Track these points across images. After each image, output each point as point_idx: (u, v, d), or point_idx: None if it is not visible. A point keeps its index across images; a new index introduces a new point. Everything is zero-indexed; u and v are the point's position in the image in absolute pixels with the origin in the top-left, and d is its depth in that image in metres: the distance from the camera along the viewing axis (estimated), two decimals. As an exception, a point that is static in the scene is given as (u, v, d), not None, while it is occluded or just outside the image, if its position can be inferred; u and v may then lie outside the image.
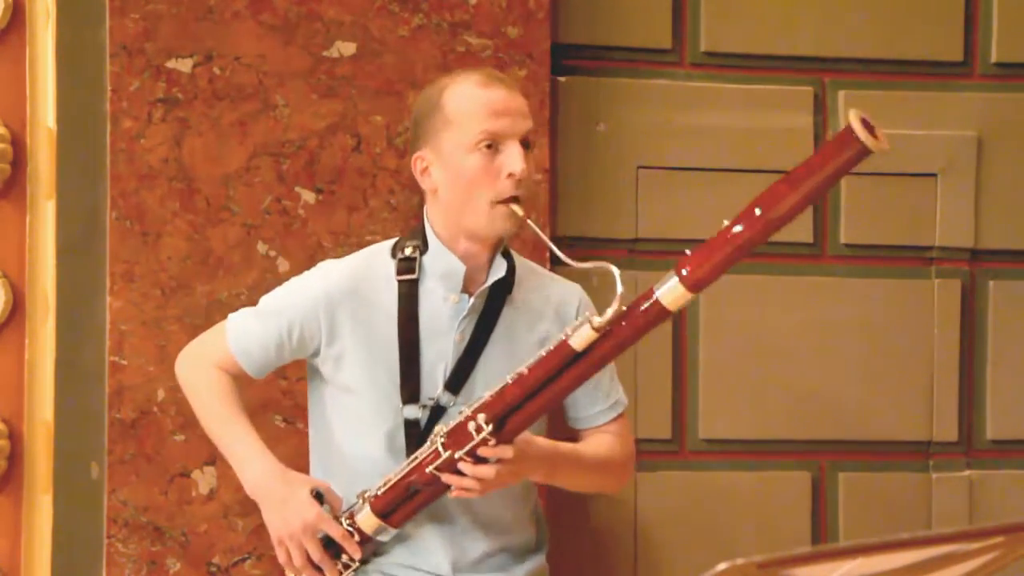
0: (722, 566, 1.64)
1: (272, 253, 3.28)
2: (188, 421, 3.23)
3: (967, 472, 3.66)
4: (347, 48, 3.33)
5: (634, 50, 3.56)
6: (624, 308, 2.57)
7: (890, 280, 3.65)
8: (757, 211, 2.55)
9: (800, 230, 3.61)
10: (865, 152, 2.49)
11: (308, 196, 3.31)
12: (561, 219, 3.43)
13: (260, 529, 3.22)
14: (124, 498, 3.23)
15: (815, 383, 3.61)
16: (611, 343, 2.60)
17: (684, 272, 2.56)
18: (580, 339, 2.59)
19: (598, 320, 2.58)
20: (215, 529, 3.26)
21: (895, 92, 3.66)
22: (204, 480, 3.26)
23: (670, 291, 2.57)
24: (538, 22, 3.40)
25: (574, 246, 3.12)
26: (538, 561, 2.88)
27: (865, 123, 2.49)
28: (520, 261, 2.85)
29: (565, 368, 2.62)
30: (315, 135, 3.31)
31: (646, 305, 2.58)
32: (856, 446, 3.64)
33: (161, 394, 3.23)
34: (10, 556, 3.31)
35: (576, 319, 2.69)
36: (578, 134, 3.51)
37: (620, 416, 2.91)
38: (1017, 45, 3.70)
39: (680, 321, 3.56)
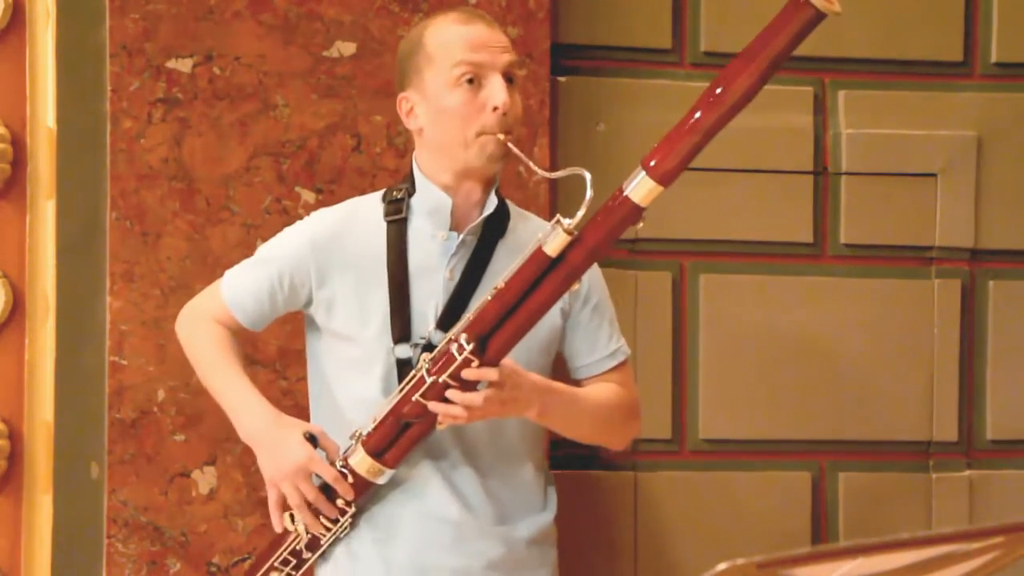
0: (722, 566, 1.64)
1: (272, 253, 3.28)
2: (188, 421, 3.24)
3: (967, 472, 3.67)
4: (347, 48, 3.33)
5: (634, 50, 3.57)
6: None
7: (890, 280, 3.65)
8: (716, 92, 2.53)
9: (800, 230, 3.61)
10: (817, 16, 2.47)
11: (308, 196, 3.31)
12: (562, 213, 3.42)
13: (260, 529, 3.22)
14: (124, 498, 3.23)
15: (815, 383, 3.61)
16: (584, 246, 2.59)
17: (651, 164, 2.55)
18: (553, 245, 2.58)
19: (569, 222, 2.58)
20: (215, 529, 3.26)
21: (895, 92, 3.66)
22: (204, 480, 3.26)
23: (639, 186, 2.56)
24: (538, 22, 3.40)
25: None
26: (545, 520, 2.85)
27: None
28: (514, 207, 2.85)
29: (542, 277, 2.60)
30: (315, 135, 3.31)
31: (617, 202, 2.58)
32: (856, 446, 3.64)
33: (161, 394, 3.23)
34: (10, 556, 3.31)
35: None
36: (578, 134, 3.51)
37: (622, 364, 2.88)
38: (1017, 45, 3.70)
39: (680, 321, 3.57)
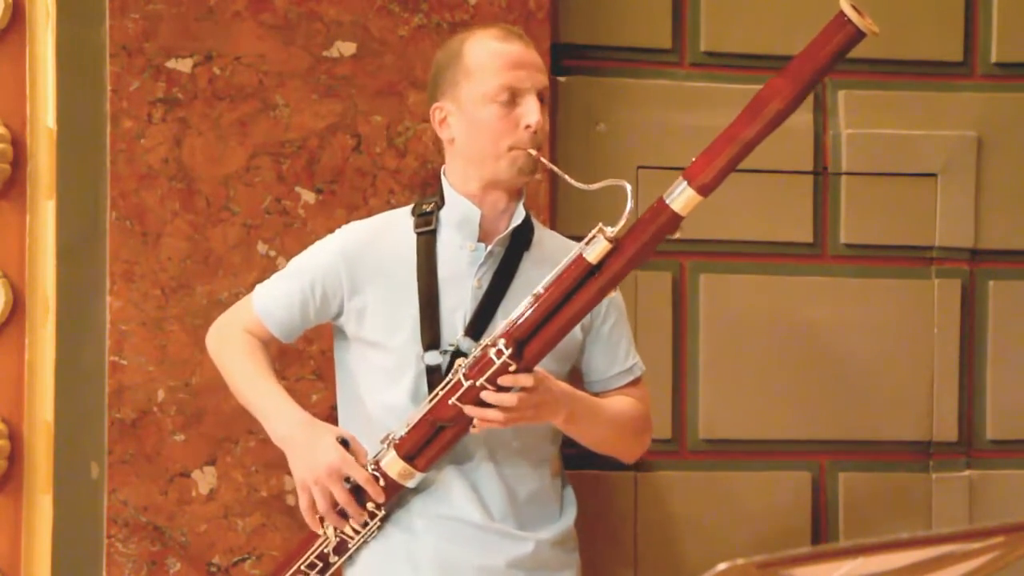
0: (722, 566, 1.64)
1: (272, 253, 3.28)
2: (188, 421, 3.24)
3: (967, 472, 3.66)
4: (347, 48, 3.33)
5: (634, 50, 3.57)
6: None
7: (890, 280, 3.65)
8: (756, 106, 2.62)
9: (800, 230, 3.61)
10: (858, 35, 2.55)
11: (308, 196, 3.31)
12: (561, 219, 3.43)
13: (260, 529, 3.23)
14: (124, 498, 3.23)
15: (815, 383, 3.61)
16: (625, 254, 2.67)
17: (692, 176, 2.64)
18: (595, 252, 2.67)
19: (611, 230, 2.66)
20: (215, 529, 3.26)
21: (895, 92, 3.66)
22: (204, 480, 3.26)
23: (680, 196, 2.66)
24: (538, 22, 3.40)
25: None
26: (564, 525, 2.91)
27: (855, 8, 2.54)
28: (542, 226, 2.95)
29: (581, 284, 2.68)
30: (315, 135, 3.32)
31: (657, 212, 2.67)
32: (856, 446, 3.64)
33: (161, 394, 3.23)
34: (10, 556, 3.31)
35: None
36: (578, 134, 3.51)
37: (638, 380, 2.96)
38: (1017, 45, 3.70)
39: (680, 321, 3.57)
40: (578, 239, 3.40)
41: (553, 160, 3.43)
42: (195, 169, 3.27)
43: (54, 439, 3.31)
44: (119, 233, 3.25)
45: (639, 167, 3.55)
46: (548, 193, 3.40)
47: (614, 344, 2.92)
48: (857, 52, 3.60)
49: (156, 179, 3.26)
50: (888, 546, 1.71)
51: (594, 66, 3.55)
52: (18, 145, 3.32)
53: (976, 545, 1.79)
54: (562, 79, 3.49)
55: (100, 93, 3.25)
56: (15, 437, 3.32)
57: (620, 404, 2.92)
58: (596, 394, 2.93)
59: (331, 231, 3.26)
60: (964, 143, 3.67)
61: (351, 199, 3.31)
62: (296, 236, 3.28)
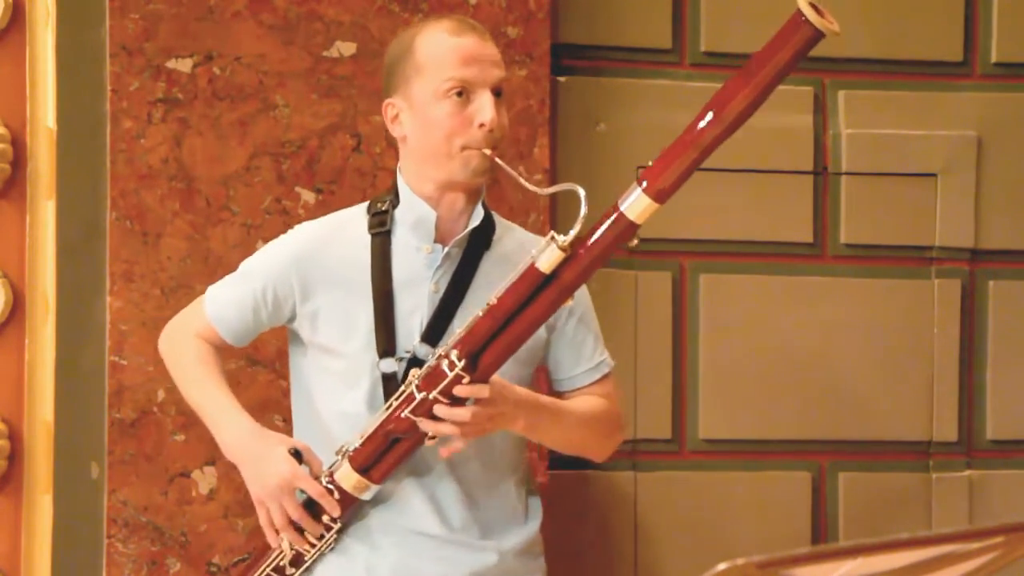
0: (722, 566, 1.64)
1: (272, 253, 3.28)
2: (188, 421, 3.24)
3: (967, 472, 3.67)
4: (347, 48, 3.33)
5: (634, 50, 3.56)
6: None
7: (890, 280, 3.65)
8: (714, 109, 2.52)
9: (800, 230, 3.62)
10: (816, 35, 2.47)
11: (308, 196, 3.31)
12: (560, 219, 3.43)
13: (260, 529, 3.22)
14: (124, 498, 3.23)
15: (815, 383, 3.61)
16: (579, 263, 2.57)
17: (647, 181, 2.53)
18: (547, 260, 2.55)
19: (563, 238, 2.55)
20: (215, 529, 3.26)
21: (895, 92, 3.66)
22: (204, 480, 3.26)
23: (635, 203, 2.55)
24: (538, 22, 3.40)
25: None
26: (529, 531, 2.81)
27: (814, 7, 2.45)
28: (500, 219, 2.82)
29: (535, 294, 2.57)
30: (315, 135, 3.32)
31: (611, 220, 2.56)
32: (856, 446, 3.64)
33: (161, 394, 3.23)
34: (10, 556, 3.31)
35: None
36: (578, 134, 3.51)
37: (606, 377, 2.85)
38: (1017, 45, 3.70)
39: (680, 321, 3.57)
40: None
41: (553, 161, 3.44)
42: (195, 169, 3.27)
43: (54, 439, 3.31)
44: (119, 233, 3.25)
45: (639, 167, 3.53)
46: (548, 195, 3.40)
47: (579, 342, 2.80)
48: (857, 52, 3.64)
49: (156, 179, 3.26)
50: (888, 546, 1.71)
51: (594, 66, 3.54)
52: (18, 145, 3.32)
53: (976, 545, 1.79)
54: (562, 79, 3.49)
55: (100, 93, 3.25)
56: (15, 437, 3.32)
57: (586, 404, 2.80)
58: (563, 393, 2.83)
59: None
60: (964, 143, 3.67)
61: (351, 199, 3.31)
62: (296, 236, 3.28)
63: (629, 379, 3.49)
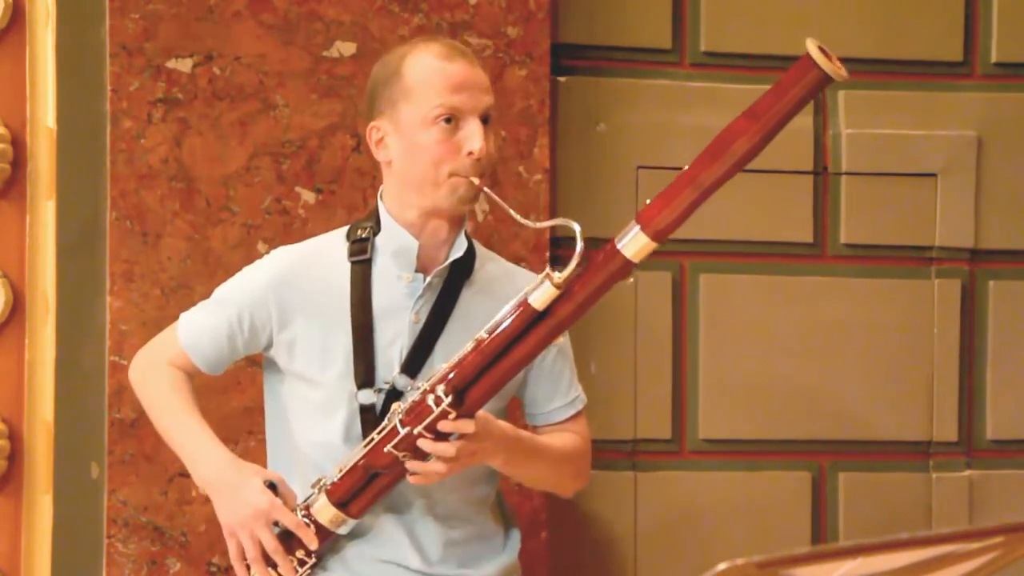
0: (722, 566, 1.64)
1: (272, 253, 3.28)
2: (188, 421, 3.23)
3: (967, 472, 3.67)
4: (347, 48, 3.33)
5: (634, 50, 3.56)
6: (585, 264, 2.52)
7: (890, 280, 3.65)
8: (716, 149, 2.48)
9: (800, 230, 3.62)
10: (825, 79, 2.44)
11: (308, 196, 3.31)
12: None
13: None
14: (124, 498, 3.23)
15: (815, 383, 3.61)
16: (573, 301, 2.52)
17: (647, 221, 2.49)
18: (540, 298, 2.51)
19: (558, 276, 2.51)
20: (215, 529, 3.25)
21: (895, 92, 3.66)
22: (204, 480, 3.25)
23: (632, 241, 2.50)
24: (538, 22, 3.40)
25: (573, 246, 3.12)
26: (508, 559, 2.78)
27: (823, 50, 2.42)
28: (483, 249, 2.78)
29: (526, 331, 2.53)
30: (315, 135, 3.32)
31: (608, 258, 2.52)
32: (856, 446, 3.64)
33: (161, 394, 3.23)
34: (10, 556, 3.31)
35: None
36: (578, 134, 3.51)
37: (579, 414, 2.82)
38: (1017, 45, 3.70)
39: (680, 321, 3.57)
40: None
41: (553, 161, 3.44)
42: (195, 169, 3.27)
43: (54, 439, 3.31)
44: (119, 233, 3.25)
45: (639, 167, 3.55)
46: (548, 193, 3.40)
47: (556, 376, 2.76)
48: (857, 52, 3.63)
49: (156, 179, 3.26)
50: (888, 546, 1.71)
51: (594, 66, 3.54)
52: (18, 145, 3.32)
53: (976, 545, 1.79)
54: (562, 79, 3.49)
55: (100, 93, 3.25)
56: (15, 437, 3.32)
57: (561, 441, 2.76)
58: (536, 427, 2.80)
59: (331, 231, 3.26)
60: (964, 143, 3.67)
61: (351, 199, 3.31)
62: (296, 236, 3.28)
63: (629, 379, 3.49)
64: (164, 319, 3.23)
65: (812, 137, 3.62)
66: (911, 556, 1.74)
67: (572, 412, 2.80)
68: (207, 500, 3.24)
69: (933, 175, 3.66)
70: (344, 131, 3.32)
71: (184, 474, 3.24)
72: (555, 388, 2.78)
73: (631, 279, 2.57)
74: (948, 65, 3.69)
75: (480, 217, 3.30)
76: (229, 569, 3.25)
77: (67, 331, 3.30)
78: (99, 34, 3.26)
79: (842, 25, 3.64)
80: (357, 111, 3.32)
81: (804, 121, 3.60)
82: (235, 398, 3.17)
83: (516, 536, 2.81)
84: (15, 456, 3.32)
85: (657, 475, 3.53)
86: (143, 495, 3.24)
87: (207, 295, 3.23)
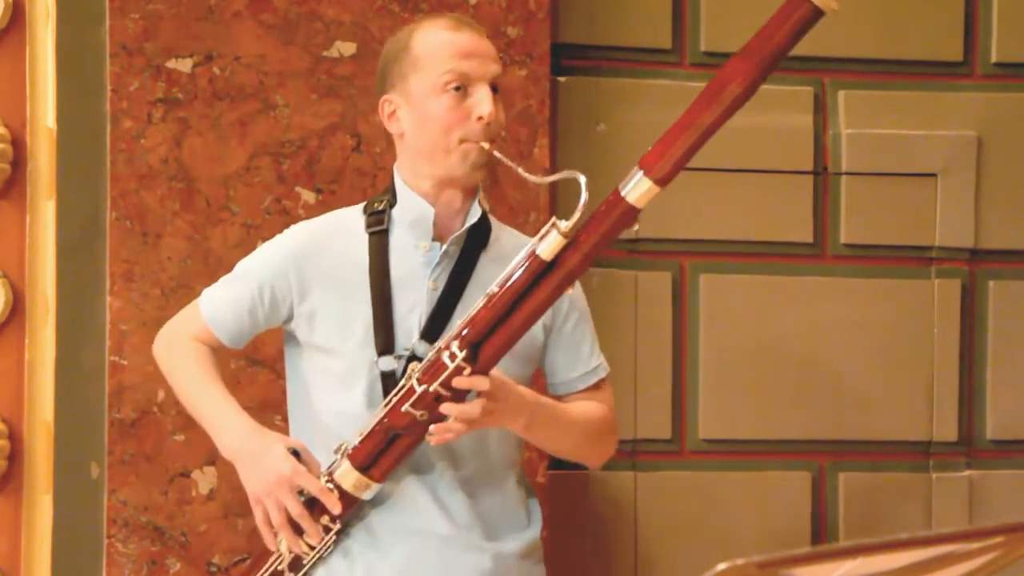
0: (722, 566, 1.64)
1: (272, 253, 3.28)
2: (188, 421, 3.23)
3: (967, 472, 3.67)
4: (347, 48, 3.33)
5: (634, 50, 3.57)
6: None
7: (890, 280, 3.65)
8: (714, 90, 2.51)
9: (800, 230, 3.62)
10: (815, 12, 2.46)
11: (308, 196, 3.31)
12: (560, 219, 3.42)
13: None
14: (124, 498, 3.23)
15: (815, 383, 3.61)
16: (580, 250, 2.56)
17: (648, 165, 2.52)
18: (548, 247, 2.55)
19: (565, 224, 2.55)
20: (215, 529, 3.26)
21: (895, 92, 3.66)
22: (204, 480, 3.26)
23: (636, 186, 2.54)
24: (538, 22, 3.41)
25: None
26: (531, 535, 2.79)
27: None
28: (496, 221, 2.81)
29: (535, 282, 2.57)
30: (315, 135, 3.32)
31: (612, 204, 2.55)
32: (856, 446, 3.64)
33: (161, 394, 3.23)
34: (10, 556, 3.31)
35: None
36: (578, 134, 3.51)
37: (603, 381, 2.85)
38: (1017, 45, 3.70)
39: (680, 321, 3.57)
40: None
41: (553, 161, 3.44)
42: (195, 169, 3.27)
43: (54, 439, 3.31)
44: (119, 233, 3.25)
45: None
46: (548, 192, 3.40)
47: (576, 344, 2.79)
48: (857, 52, 3.64)
49: (156, 179, 3.26)
50: (888, 546, 1.71)
51: (594, 66, 3.54)
52: (18, 145, 3.32)
53: (976, 545, 1.79)
54: (562, 79, 3.49)
55: (100, 93, 3.25)
56: (15, 437, 3.32)
57: (584, 409, 2.79)
58: (560, 396, 2.82)
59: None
60: (964, 143, 3.67)
61: (351, 199, 3.31)
62: (296, 236, 3.29)
63: (629, 379, 3.49)
64: (164, 319, 3.23)
65: (812, 137, 3.62)
66: (911, 556, 1.74)
67: (595, 380, 2.84)
68: (207, 500, 3.25)
69: (933, 175, 3.66)
70: (344, 131, 3.32)
71: (184, 474, 3.25)
72: (576, 356, 2.81)
73: (636, 226, 2.60)
74: (948, 65, 3.69)
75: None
76: (229, 569, 3.26)
77: (67, 331, 3.31)
78: (99, 34, 3.26)
79: (842, 25, 3.64)
80: (357, 111, 3.33)
81: (804, 121, 3.60)
82: (236, 396, 3.16)
83: (538, 513, 2.83)
84: (15, 456, 3.32)
85: (657, 475, 3.53)
86: (143, 495, 3.24)
87: (207, 295, 3.24)
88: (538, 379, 2.84)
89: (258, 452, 2.69)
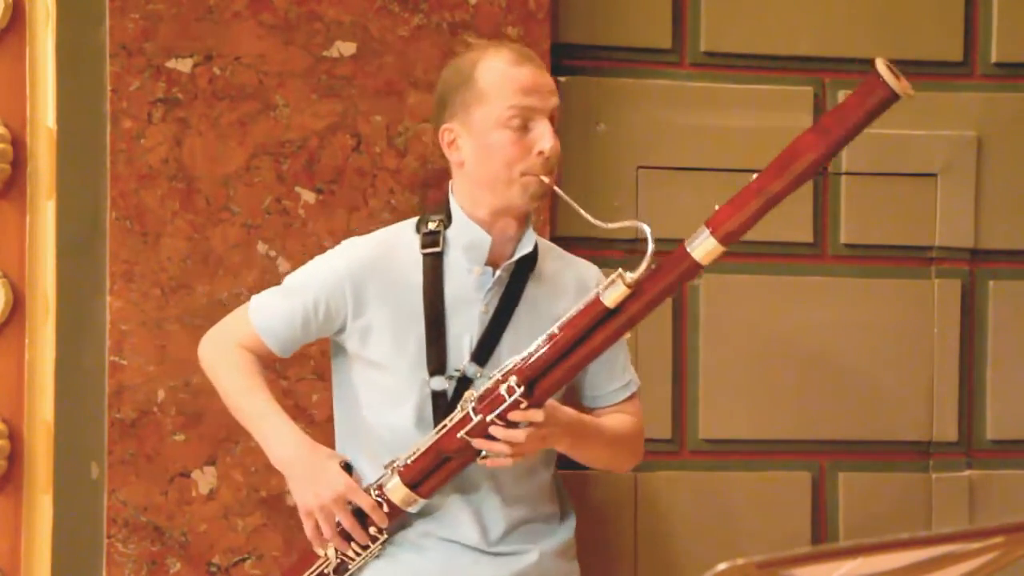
0: (722, 566, 1.64)
1: (272, 253, 3.28)
2: (188, 421, 3.24)
3: (967, 472, 3.66)
4: (347, 48, 3.33)
5: (634, 50, 3.57)
6: (655, 265, 2.66)
7: (890, 280, 3.65)
8: (786, 161, 2.61)
9: (800, 230, 3.61)
10: (892, 97, 2.55)
11: (308, 196, 3.31)
12: (561, 219, 3.43)
13: (261, 529, 3.23)
14: (124, 498, 3.23)
15: (815, 383, 3.61)
16: (643, 299, 2.67)
17: (715, 225, 2.63)
18: (612, 296, 2.66)
19: (630, 276, 2.66)
20: (215, 529, 3.26)
21: (895, 92, 3.66)
22: (204, 480, 3.26)
23: (701, 245, 2.65)
24: (538, 22, 3.40)
25: (574, 246, 3.12)
26: (566, 534, 2.91)
27: (891, 69, 2.54)
28: (541, 240, 2.91)
29: (596, 327, 2.68)
30: (315, 135, 3.32)
31: (678, 260, 2.66)
32: (856, 446, 3.64)
33: (161, 394, 3.23)
34: (10, 556, 3.31)
35: None
36: (578, 134, 3.51)
37: (634, 395, 2.96)
38: (1017, 45, 3.70)
39: (680, 321, 3.57)
40: (577, 240, 3.42)
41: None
42: (195, 169, 3.27)
43: (54, 439, 3.31)
44: (119, 233, 3.25)
45: (639, 167, 3.55)
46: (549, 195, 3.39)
47: (612, 361, 2.89)
48: (857, 52, 3.63)
49: (156, 179, 3.26)
50: (888, 546, 1.71)
51: (594, 66, 3.54)
52: (18, 145, 3.32)
53: (976, 545, 1.79)
54: (562, 79, 3.49)
55: (100, 93, 3.25)
56: (15, 437, 3.32)
57: (618, 423, 2.91)
58: (593, 409, 2.92)
59: (331, 231, 3.27)
60: (964, 143, 3.67)
61: (351, 199, 3.31)
62: (296, 236, 3.28)
63: (629, 379, 3.49)
64: (164, 319, 3.23)
65: (812, 137, 3.61)
66: (911, 556, 1.74)
67: (627, 394, 2.95)
68: (207, 500, 3.25)
69: (933, 175, 3.66)
70: (344, 131, 3.32)
71: (184, 474, 3.25)
72: (611, 372, 2.92)
73: (699, 280, 2.68)
74: (948, 65, 3.69)
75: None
76: (229, 569, 3.25)
77: (67, 331, 3.30)
78: (99, 34, 3.26)
79: (842, 25, 3.64)
80: (357, 111, 3.32)
81: (804, 121, 3.60)
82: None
83: (571, 515, 2.94)
84: (15, 456, 3.32)
85: (657, 475, 3.53)
86: (143, 495, 3.24)
87: (207, 295, 3.24)
88: (568, 392, 2.90)
89: (312, 468, 2.79)
